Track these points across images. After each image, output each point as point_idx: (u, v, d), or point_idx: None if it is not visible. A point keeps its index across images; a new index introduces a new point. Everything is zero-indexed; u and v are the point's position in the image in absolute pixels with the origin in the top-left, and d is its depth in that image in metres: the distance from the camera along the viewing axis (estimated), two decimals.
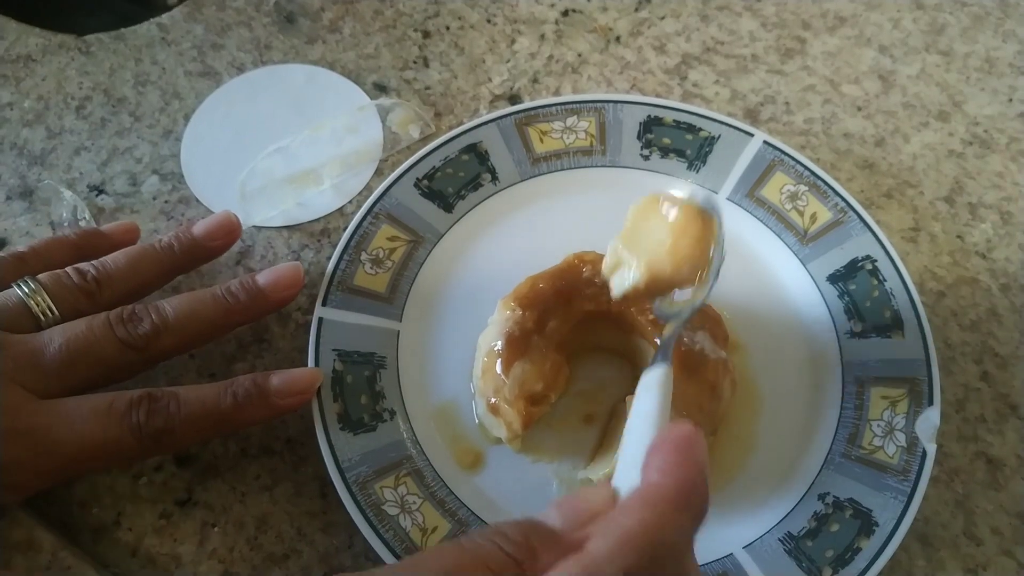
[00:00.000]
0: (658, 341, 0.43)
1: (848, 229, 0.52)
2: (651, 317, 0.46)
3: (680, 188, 0.46)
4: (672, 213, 0.43)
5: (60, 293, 0.44)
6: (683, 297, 0.43)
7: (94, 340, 0.42)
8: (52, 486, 0.44)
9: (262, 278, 0.47)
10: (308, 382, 0.46)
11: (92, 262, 0.46)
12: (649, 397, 0.37)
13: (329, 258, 0.50)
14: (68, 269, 0.45)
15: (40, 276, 0.45)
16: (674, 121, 0.56)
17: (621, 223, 0.53)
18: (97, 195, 0.56)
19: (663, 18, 0.65)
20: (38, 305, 0.44)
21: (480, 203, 0.54)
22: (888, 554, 0.43)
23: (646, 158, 0.55)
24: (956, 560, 0.46)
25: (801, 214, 0.53)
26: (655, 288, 0.43)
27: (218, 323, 0.46)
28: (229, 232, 0.50)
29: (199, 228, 0.49)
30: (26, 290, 0.44)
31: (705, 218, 0.43)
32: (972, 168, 0.59)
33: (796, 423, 0.48)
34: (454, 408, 0.48)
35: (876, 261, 0.51)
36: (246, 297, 0.46)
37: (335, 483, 0.44)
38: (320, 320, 0.48)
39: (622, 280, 0.43)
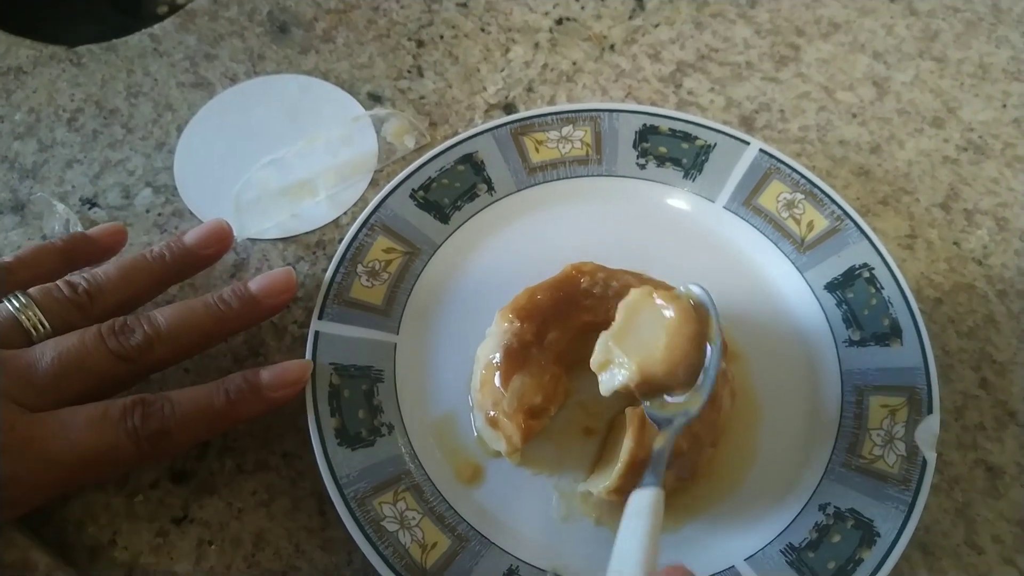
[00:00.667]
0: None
1: (845, 237, 0.52)
2: None
3: (674, 285, 0.46)
4: (666, 311, 0.43)
5: (51, 307, 0.44)
6: (676, 400, 0.43)
7: (86, 353, 0.42)
8: (50, 501, 0.44)
9: (254, 284, 0.47)
10: (298, 373, 0.45)
11: (83, 274, 0.46)
12: (640, 524, 0.36)
13: (325, 270, 0.50)
14: (59, 282, 0.45)
15: (31, 290, 0.44)
16: (670, 130, 0.55)
17: (618, 233, 0.53)
18: (90, 208, 0.55)
19: (657, 26, 0.65)
20: (29, 320, 0.43)
21: (476, 213, 0.54)
22: (890, 565, 0.43)
23: (642, 167, 0.55)
24: (958, 569, 0.46)
25: (798, 222, 0.53)
26: (647, 389, 0.43)
27: (211, 332, 0.46)
28: (221, 240, 0.49)
29: (191, 236, 0.49)
30: (16, 305, 0.43)
31: (700, 314, 0.44)
32: (967, 174, 0.59)
33: (796, 433, 0.48)
34: (453, 422, 0.48)
35: (873, 269, 0.51)
36: (239, 304, 0.46)
37: (333, 500, 0.43)
38: (316, 334, 0.48)
39: (612, 378, 0.43)
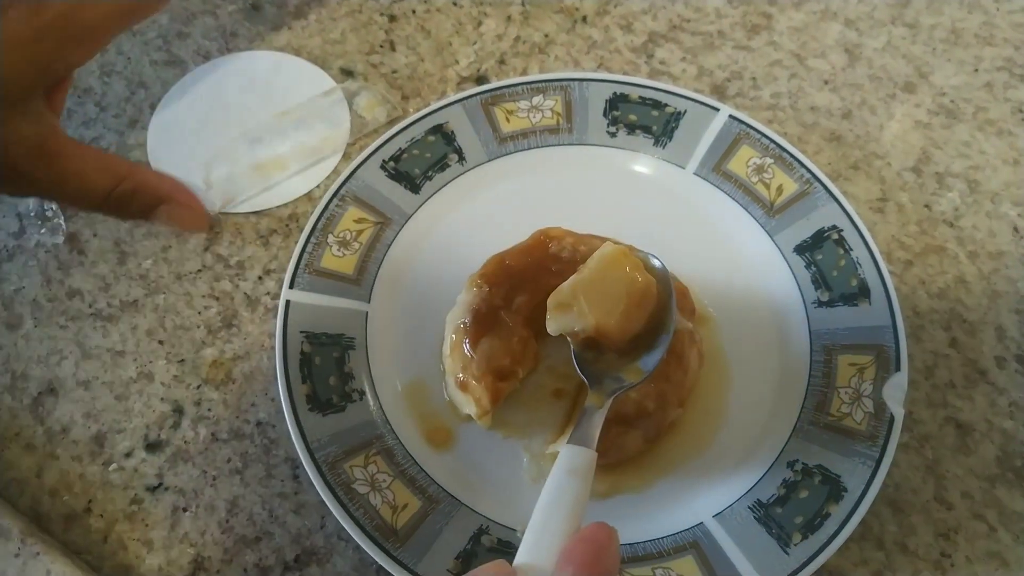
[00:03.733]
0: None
1: (814, 200, 0.52)
2: None
3: (648, 254, 0.46)
4: (637, 277, 0.43)
5: None
6: (608, 358, 0.43)
7: None
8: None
9: None
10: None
11: None
12: (571, 483, 0.36)
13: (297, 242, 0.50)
14: None
15: None
16: (640, 98, 0.56)
17: (588, 201, 0.54)
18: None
19: None
20: None
21: (447, 184, 0.54)
22: (857, 519, 0.43)
23: (613, 135, 0.55)
24: (927, 525, 0.46)
25: (767, 186, 0.53)
26: (589, 342, 0.43)
27: None
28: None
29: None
30: None
31: (662, 291, 0.44)
32: (939, 138, 0.59)
33: (765, 393, 0.48)
34: (424, 387, 0.49)
35: (842, 231, 0.51)
36: None
37: (304, 464, 0.44)
38: (288, 303, 0.48)
39: (567, 323, 0.43)
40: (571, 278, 0.43)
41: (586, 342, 0.43)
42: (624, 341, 0.43)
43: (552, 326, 0.43)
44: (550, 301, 0.43)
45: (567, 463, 0.37)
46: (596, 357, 0.43)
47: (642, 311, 0.44)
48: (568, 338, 0.43)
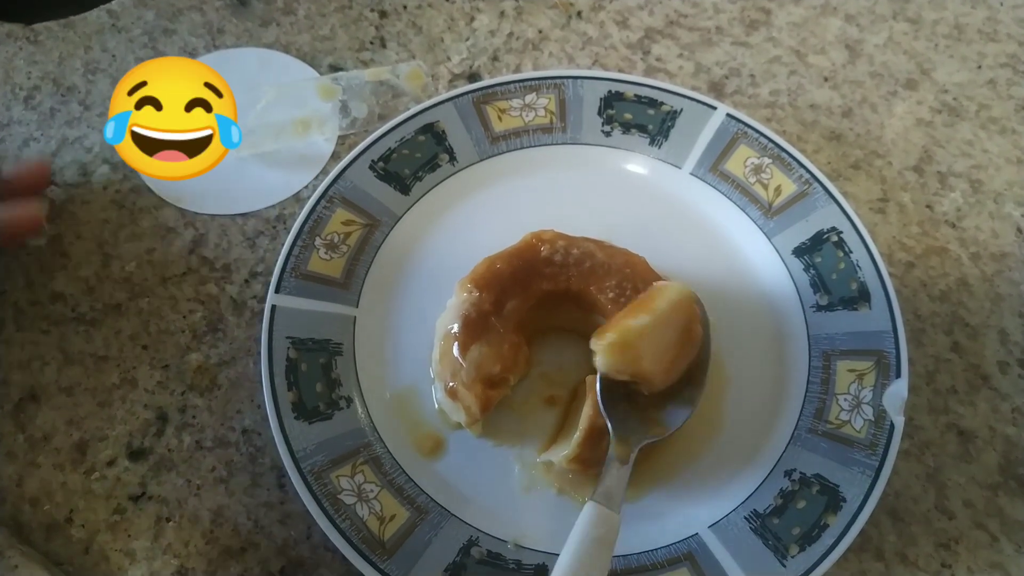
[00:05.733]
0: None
1: (813, 201, 0.51)
2: (611, 295, 0.45)
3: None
4: (692, 328, 0.43)
5: None
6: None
7: None
8: None
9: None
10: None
11: None
12: (599, 552, 0.36)
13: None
14: None
15: None
16: (635, 96, 0.54)
17: (582, 202, 0.52)
18: (47, 186, 0.54)
19: None
20: None
21: (438, 184, 0.53)
22: (856, 530, 0.42)
23: (607, 134, 0.54)
24: (928, 535, 0.45)
25: (765, 187, 0.52)
26: (624, 385, 0.42)
27: None
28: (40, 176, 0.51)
29: (8, 169, 0.50)
30: None
31: (705, 345, 0.44)
32: (941, 136, 0.58)
33: (762, 400, 0.47)
34: (413, 394, 0.47)
35: (842, 232, 0.50)
36: None
37: (289, 473, 0.43)
38: (273, 308, 0.47)
39: (621, 364, 0.41)
40: (634, 317, 0.42)
41: (618, 383, 0.42)
42: (660, 389, 0.42)
43: (603, 364, 0.41)
44: (609, 338, 0.41)
45: (593, 528, 0.36)
46: (624, 400, 0.42)
47: (685, 363, 0.43)
48: (600, 374, 0.42)
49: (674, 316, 0.43)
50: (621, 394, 0.43)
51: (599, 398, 0.42)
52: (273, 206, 0.54)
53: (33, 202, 0.50)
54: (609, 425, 0.41)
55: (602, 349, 0.41)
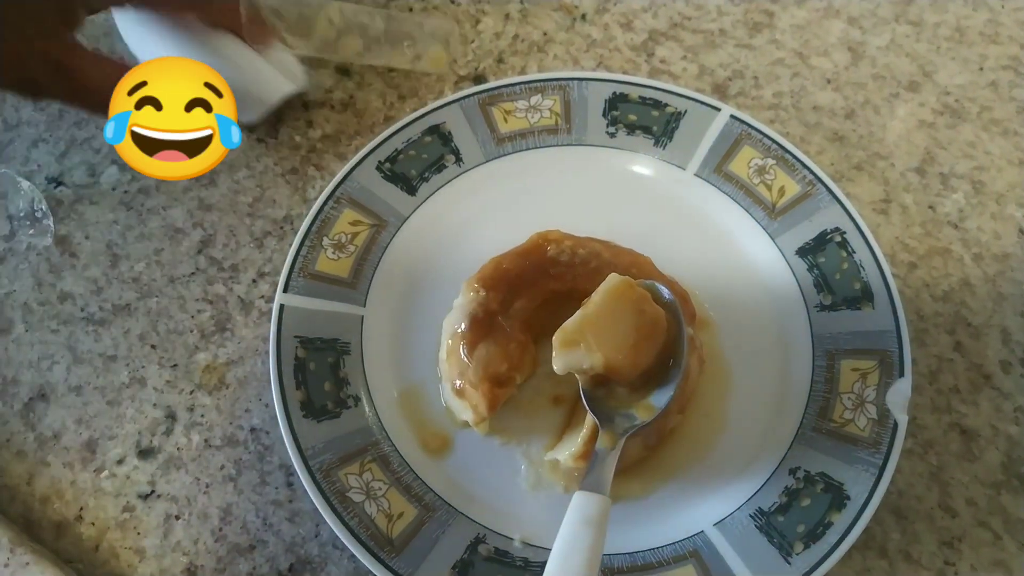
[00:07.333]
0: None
1: (816, 202, 0.51)
2: None
3: (656, 284, 0.45)
4: (644, 310, 0.42)
5: None
6: (621, 393, 0.43)
7: None
8: None
9: None
10: None
11: None
12: (587, 533, 0.36)
13: (292, 244, 0.49)
14: None
15: None
16: (640, 97, 0.55)
17: (587, 202, 0.53)
18: (56, 187, 0.55)
19: None
20: None
21: (444, 185, 0.53)
22: (860, 527, 0.42)
23: (612, 135, 0.55)
24: (931, 533, 0.45)
25: (769, 188, 0.52)
26: (599, 379, 0.42)
27: None
28: None
29: None
30: None
31: (673, 322, 0.43)
32: (943, 138, 0.58)
33: (766, 398, 0.48)
34: (421, 393, 0.48)
35: (845, 233, 0.50)
36: None
37: (298, 471, 0.43)
38: (282, 307, 0.47)
39: (575, 360, 0.41)
40: (576, 313, 0.41)
41: (595, 379, 0.42)
42: (635, 376, 0.42)
43: (559, 364, 0.41)
44: (556, 338, 0.41)
45: (581, 512, 0.36)
46: (606, 394, 0.43)
47: (652, 344, 0.43)
48: (577, 375, 0.42)
49: (615, 305, 0.42)
50: (603, 389, 0.43)
51: (582, 395, 0.43)
52: (280, 206, 0.54)
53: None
54: (594, 418, 0.42)
55: (555, 351, 0.41)
